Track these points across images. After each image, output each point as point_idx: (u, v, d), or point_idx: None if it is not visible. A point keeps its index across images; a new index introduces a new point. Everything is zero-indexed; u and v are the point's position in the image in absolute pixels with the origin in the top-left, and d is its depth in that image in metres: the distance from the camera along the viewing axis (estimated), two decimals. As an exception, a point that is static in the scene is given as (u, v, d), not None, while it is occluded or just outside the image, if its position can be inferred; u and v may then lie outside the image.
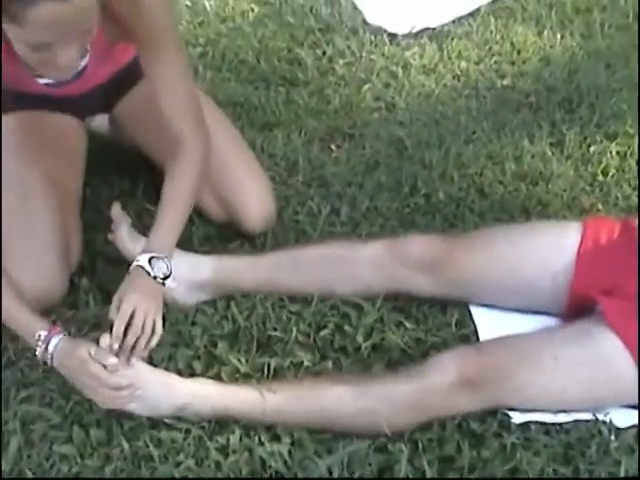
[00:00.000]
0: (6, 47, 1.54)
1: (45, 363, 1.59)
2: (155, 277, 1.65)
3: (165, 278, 1.67)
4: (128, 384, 1.54)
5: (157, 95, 1.77)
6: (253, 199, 1.93)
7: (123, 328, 1.57)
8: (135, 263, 1.67)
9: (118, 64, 1.98)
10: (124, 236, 1.85)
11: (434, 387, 1.51)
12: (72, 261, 1.86)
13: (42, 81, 1.80)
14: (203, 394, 1.57)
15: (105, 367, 1.52)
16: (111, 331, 1.57)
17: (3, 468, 1.54)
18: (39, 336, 1.56)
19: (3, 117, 1.94)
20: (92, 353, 1.52)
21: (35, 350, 1.58)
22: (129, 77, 2.02)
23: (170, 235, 1.73)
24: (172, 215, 1.75)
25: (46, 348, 1.56)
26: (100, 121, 2.23)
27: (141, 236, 1.83)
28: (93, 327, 1.79)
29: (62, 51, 1.46)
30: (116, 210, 1.90)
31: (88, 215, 2.02)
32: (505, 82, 2.66)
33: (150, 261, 1.66)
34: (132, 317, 1.59)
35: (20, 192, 1.84)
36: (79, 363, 1.53)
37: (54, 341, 1.55)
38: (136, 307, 1.60)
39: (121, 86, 2.04)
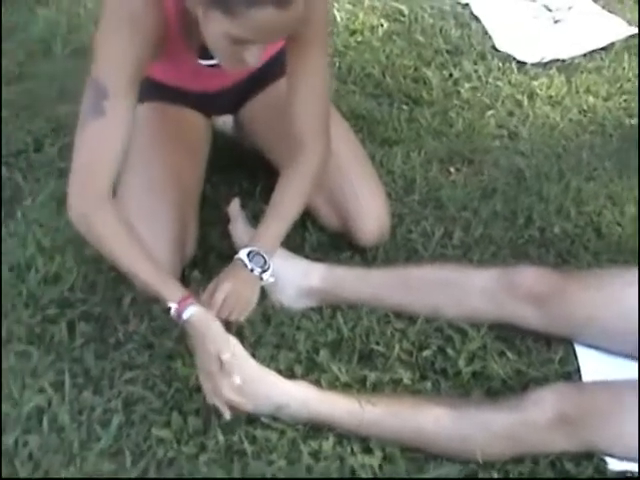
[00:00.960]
0: (181, 23, 1.62)
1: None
2: (252, 270, 1.70)
3: (263, 272, 1.71)
4: (240, 402, 1.57)
5: (291, 92, 1.80)
6: (370, 213, 1.95)
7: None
8: (236, 256, 1.72)
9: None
10: (241, 232, 1.89)
11: (531, 421, 1.50)
12: (187, 253, 1.91)
13: (204, 62, 1.85)
14: (302, 397, 1.60)
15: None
16: None
17: (104, 444, 1.60)
18: (169, 308, 1.62)
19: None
20: (225, 359, 1.55)
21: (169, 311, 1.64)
22: (263, 78, 2.07)
23: (274, 234, 1.77)
24: (279, 215, 1.79)
25: (178, 317, 1.61)
26: (224, 120, 2.29)
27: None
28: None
29: (253, 48, 1.52)
30: (234, 207, 1.94)
31: (206, 210, 2.07)
32: (633, 121, 2.61)
33: (249, 254, 1.71)
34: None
35: (145, 181, 1.90)
36: (208, 355, 1.57)
37: (186, 314, 1.60)
38: (228, 295, 1.66)
39: (254, 86, 2.09)
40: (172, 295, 1.62)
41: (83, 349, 1.81)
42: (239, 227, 1.92)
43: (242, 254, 1.72)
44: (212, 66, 1.84)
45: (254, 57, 1.53)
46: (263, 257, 1.72)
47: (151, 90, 1.97)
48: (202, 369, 1.60)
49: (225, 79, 2.00)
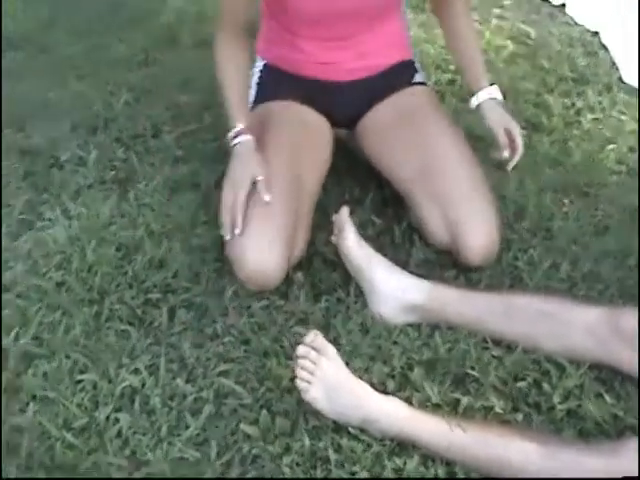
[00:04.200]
0: None
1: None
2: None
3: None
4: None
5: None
6: (479, 234, 1.92)
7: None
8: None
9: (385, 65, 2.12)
10: (351, 242, 1.88)
11: (625, 470, 1.46)
12: (295, 254, 1.91)
13: None
14: (393, 414, 1.59)
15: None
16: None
17: (192, 431, 1.63)
18: (228, 133, 1.95)
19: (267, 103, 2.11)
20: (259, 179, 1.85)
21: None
22: (383, 87, 2.09)
23: (481, 70, 2.14)
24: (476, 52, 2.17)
25: (231, 139, 1.94)
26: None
27: (367, 245, 1.88)
28: (299, 321, 1.85)
29: None
30: (343, 215, 1.94)
31: (314, 214, 2.07)
32: None
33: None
34: None
35: (265, 177, 1.89)
36: (242, 172, 1.90)
37: (236, 140, 1.93)
38: None
39: (373, 95, 2.13)
40: (238, 121, 1.93)
41: (180, 336, 1.84)
42: (350, 236, 1.90)
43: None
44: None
45: None
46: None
47: (285, 86, 2.03)
48: (229, 181, 1.88)
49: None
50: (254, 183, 1.84)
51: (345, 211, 1.94)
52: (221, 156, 2.15)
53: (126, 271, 1.99)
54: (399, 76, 2.13)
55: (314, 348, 1.60)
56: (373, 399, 1.60)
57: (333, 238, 1.93)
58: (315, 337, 1.62)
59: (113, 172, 2.36)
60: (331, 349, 1.62)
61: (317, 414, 1.60)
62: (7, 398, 1.70)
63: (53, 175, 2.34)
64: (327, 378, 1.58)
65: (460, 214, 1.94)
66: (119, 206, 2.20)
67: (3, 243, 2.10)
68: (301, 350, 1.60)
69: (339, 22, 1.96)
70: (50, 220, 2.17)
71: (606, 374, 1.74)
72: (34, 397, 1.72)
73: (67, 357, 1.78)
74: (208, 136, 2.48)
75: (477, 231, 1.93)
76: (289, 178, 1.92)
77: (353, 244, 1.87)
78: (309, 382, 1.59)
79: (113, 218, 2.16)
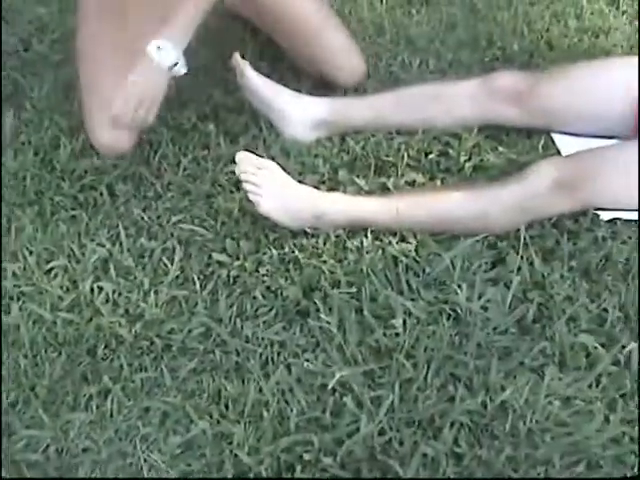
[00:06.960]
0: None
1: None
2: (159, 64, 1.93)
3: (173, 66, 1.94)
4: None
5: None
6: (344, 55, 2.19)
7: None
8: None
9: None
10: (255, 78, 2.09)
11: (535, 190, 1.75)
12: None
13: None
14: (338, 203, 1.84)
15: None
16: None
17: (171, 276, 1.81)
18: None
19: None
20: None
21: None
22: None
23: (184, 25, 1.94)
24: (189, 5, 1.94)
25: None
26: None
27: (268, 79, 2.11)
28: (228, 162, 2.05)
29: None
30: (238, 58, 2.10)
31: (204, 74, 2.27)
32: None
33: (158, 48, 1.93)
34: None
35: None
36: None
37: None
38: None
39: None
40: None
41: (127, 206, 2.00)
42: (249, 72, 2.09)
43: (151, 47, 1.91)
44: None
45: None
46: (173, 50, 1.92)
47: None
48: None
49: None
50: None
51: (237, 55, 2.12)
52: None
53: (54, 166, 2.11)
54: None
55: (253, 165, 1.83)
56: (318, 196, 1.85)
57: (238, 79, 2.12)
58: (245, 156, 1.85)
59: None
60: (269, 162, 1.85)
61: (274, 228, 1.83)
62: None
63: None
64: (274, 188, 1.81)
65: (323, 49, 2.18)
66: (20, 117, 2.29)
67: None
68: (242, 166, 1.83)
69: None
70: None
71: (494, 131, 2.06)
72: (12, 298, 1.81)
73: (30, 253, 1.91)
74: None
75: (342, 58, 2.19)
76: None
77: (257, 79, 2.08)
78: (260, 195, 1.81)
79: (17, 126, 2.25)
